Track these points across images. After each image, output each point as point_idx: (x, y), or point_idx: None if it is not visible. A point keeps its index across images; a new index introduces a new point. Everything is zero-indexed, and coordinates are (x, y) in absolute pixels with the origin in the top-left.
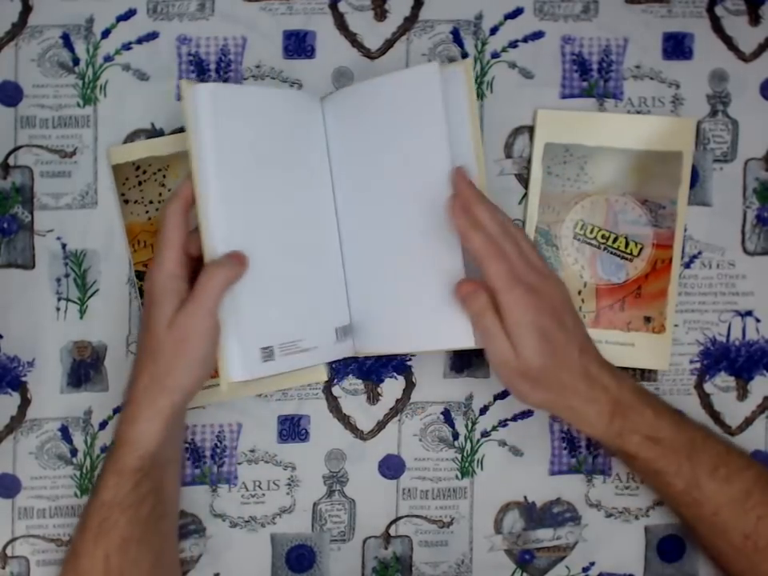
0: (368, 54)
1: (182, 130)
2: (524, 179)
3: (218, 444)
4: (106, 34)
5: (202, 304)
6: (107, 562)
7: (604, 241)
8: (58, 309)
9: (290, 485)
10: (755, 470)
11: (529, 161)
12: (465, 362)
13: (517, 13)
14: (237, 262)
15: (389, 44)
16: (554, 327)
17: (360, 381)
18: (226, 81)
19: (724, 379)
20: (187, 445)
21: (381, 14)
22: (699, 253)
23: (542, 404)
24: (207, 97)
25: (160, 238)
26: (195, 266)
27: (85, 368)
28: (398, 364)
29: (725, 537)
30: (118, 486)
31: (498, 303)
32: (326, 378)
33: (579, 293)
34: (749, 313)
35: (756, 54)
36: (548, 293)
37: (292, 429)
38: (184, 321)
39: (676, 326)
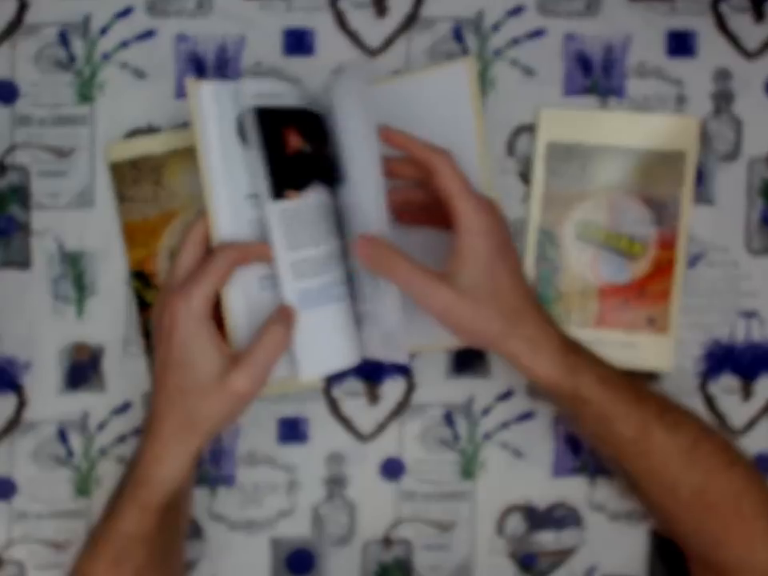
0: (368, 52)
1: (180, 128)
2: (526, 178)
3: (217, 446)
4: (103, 31)
5: (263, 372)
6: None
7: (607, 240)
8: (55, 309)
9: (289, 487)
10: (698, 421)
11: (531, 160)
12: (466, 363)
13: (519, 10)
14: (291, 320)
15: (389, 41)
16: (508, 243)
17: (360, 382)
18: (224, 80)
19: (728, 380)
20: None
21: (381, 11)
22: (703, 252)
23: (500, 336)
24: (214, 95)
25: (199, 272)
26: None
27: (82, 369)
28: (399, 365)
29: (673, 493)
30: (141, 521)
31: (453, 208)
32: (320, 384)
33: (582, 293)
34: (753, 313)
35: (760, 51)
36: (497, 209)
37: (291, 431)
38: (241, 385)
39: (679, 326)
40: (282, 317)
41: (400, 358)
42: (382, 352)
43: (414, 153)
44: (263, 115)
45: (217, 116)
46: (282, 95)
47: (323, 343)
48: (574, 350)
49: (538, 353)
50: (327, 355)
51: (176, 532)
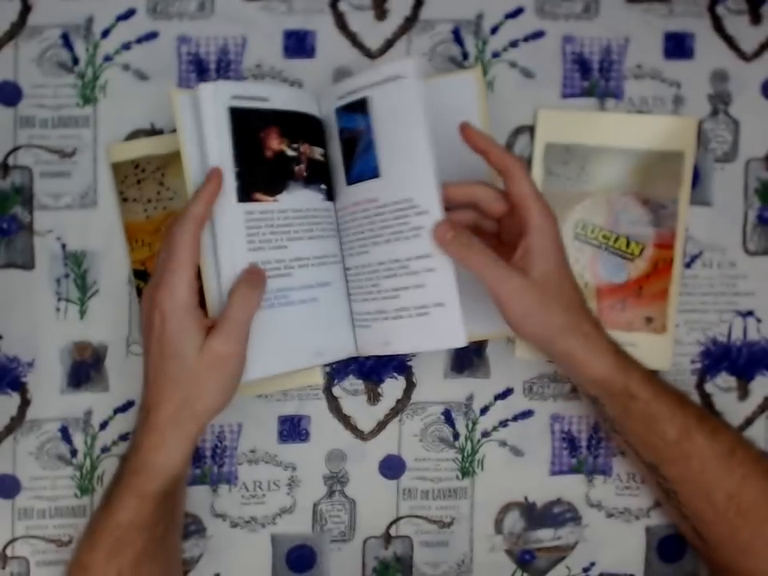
0: (368, 54)
1: None
2: None
3: (219, 444)
4: (105, 33)
5: (238, 330)
6: None
7: (605, 241)
8: (58, 309)
9: (290, 485)
10: (734, 430)
11: (529, 161)
12: (465, 362)
13: (517, 12)
14: (260, 281)
15: (389, 43)
16: (564, 247)
17: (360, 381)
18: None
19: (725, 379)
20: None
21: (381, 13)
22: (700, 253)
23: (561, 330)
24: (195, 103)
25: (170, 259)
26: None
27: (85, 368)
28: (399, 364)
29: (708, 498)
30: (139, 509)
31: (527, 210)
32: (321, 381)
33: None
34: (750, 313)
35: (757, 53)
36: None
37: (292, 429)
38: (220, 347)
39: (677, 326)
40: (248, 277)
41: (459, 341)
42: (424, 343)
43: (492, 155)
44: (238, 117)
45: (209, 116)
46: (269, 98)
47: (271, 344)
48: (622, 349)
49: (593, 349)
50: (274, 356)
51: (173, 521)
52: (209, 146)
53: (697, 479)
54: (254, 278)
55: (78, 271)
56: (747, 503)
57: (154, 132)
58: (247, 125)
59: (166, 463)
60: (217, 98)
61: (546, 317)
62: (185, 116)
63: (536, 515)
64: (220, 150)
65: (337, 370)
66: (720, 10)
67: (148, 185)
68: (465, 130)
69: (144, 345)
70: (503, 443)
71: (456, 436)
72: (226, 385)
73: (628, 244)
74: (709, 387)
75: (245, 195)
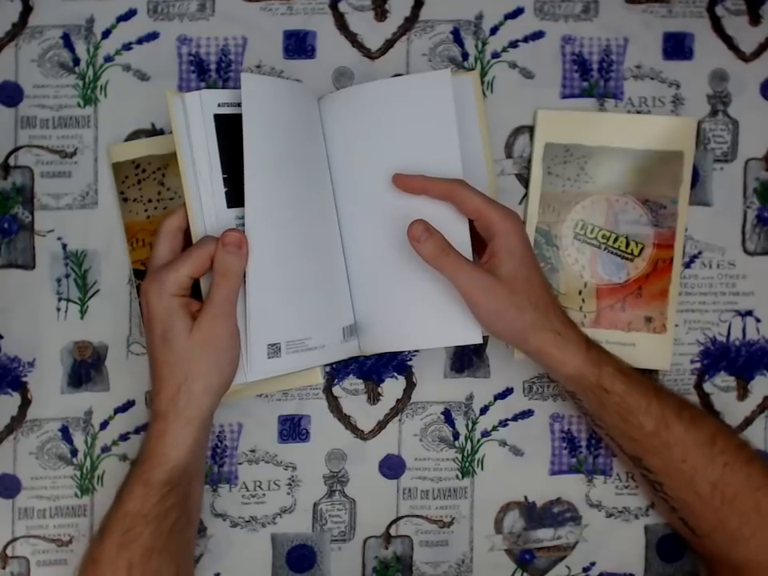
0: (368, 54)
1: None
2: (524, 179)
3: (219, 444)
4: (106, 34)
5: (224, 305)
6: (130, 571)
7: (604, 241)
8: (59, 309)
9: (290, 485)
10: (714, 419)
11: (529, 161)
12: (465, 361)
13: (517, 13)
14: (238, 251)
15: (389, 44)
16: (531, 245)
17: (360, 381)
18: (226, 81)
19: (724, 379)
20: None
21: (381, 14)
22: (699, 253)
23: (532, 327)
24: (192, 104)
25: (154, 250)
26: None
27: (85, 368)
28: (399, 364)
29: (693, 487)
30: (145, 498)
31: (485, 219)
32: (321, 381)
33: (579, 293)
34: (749, 313)
35: (756, 53)
36: (518, 215)
37: (292, 429)
38: (208, 325)
39: (676, 325)
40: (225, 249)
41: (474, 338)
42: (438, 339)
43: (432, 190)
44: (224, 123)
45: (194, 124)
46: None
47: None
48: (594, 345)
49: (565, 344)
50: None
51: (184, 516)
52: (197, 153)
53: (679, 468)
54: (230, 249)
55: (78, 271)
56: (732, 491)
57: (154, 132)
58: (233, 131)
59: (170, 451)
60: (203, 107)
61: (516, 314)
62: (179, 118)
63: (536, 515)
64: (208, 157)
65: (337, 370)
66: (719, 10)
67: (148, 185)
68: (396, 179)
69: (146, 341)
70: (503, 443)
71: (456, 436)
72: (221, 362)
73: (627, 244)
74: (708, 387)
75: (234, 200)
